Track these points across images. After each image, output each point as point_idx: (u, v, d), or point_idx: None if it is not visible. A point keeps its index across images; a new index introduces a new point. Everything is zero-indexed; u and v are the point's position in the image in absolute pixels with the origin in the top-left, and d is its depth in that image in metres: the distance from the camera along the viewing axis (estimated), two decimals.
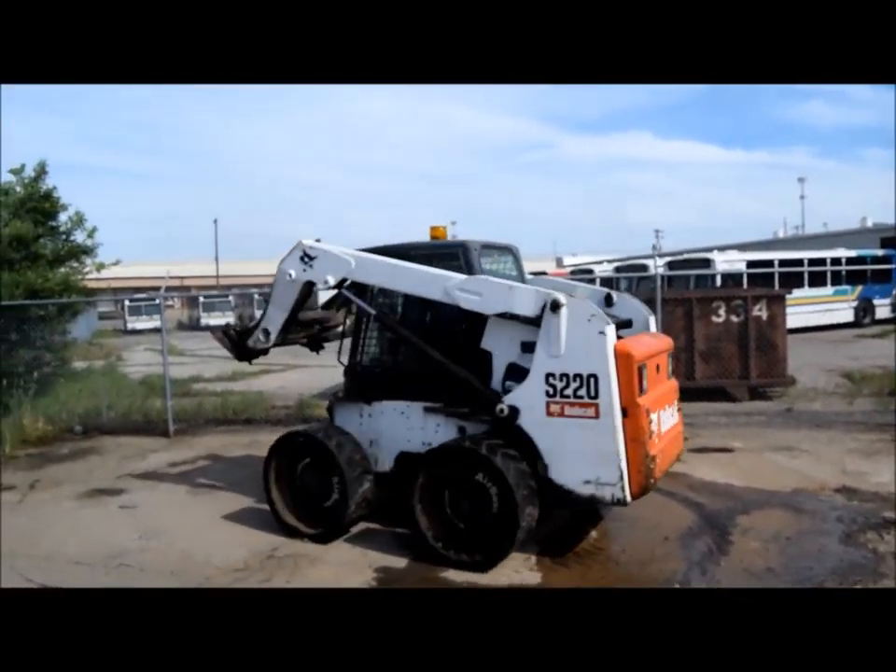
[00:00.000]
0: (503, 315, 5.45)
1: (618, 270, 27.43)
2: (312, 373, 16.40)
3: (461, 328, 5.91)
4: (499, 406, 5.40)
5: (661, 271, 24.77)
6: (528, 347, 5.43)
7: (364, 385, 6.40)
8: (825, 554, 5.51)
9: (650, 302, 11.31)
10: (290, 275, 6.35)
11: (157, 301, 11.97)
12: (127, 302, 44.59)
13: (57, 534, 6.67)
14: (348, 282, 6.30)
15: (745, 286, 21.52)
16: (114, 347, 25.53)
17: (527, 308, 5.33)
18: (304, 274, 6.32)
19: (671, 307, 11.88)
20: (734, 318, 11.94)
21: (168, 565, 5.75)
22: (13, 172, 12.72)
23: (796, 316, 24.19)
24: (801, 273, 23.75)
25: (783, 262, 24.02)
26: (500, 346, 5.63)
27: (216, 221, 66.37)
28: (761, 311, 11.92)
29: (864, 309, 25.81)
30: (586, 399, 5.09)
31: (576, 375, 5.11)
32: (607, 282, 28.46)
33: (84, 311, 15.03)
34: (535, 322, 5.31)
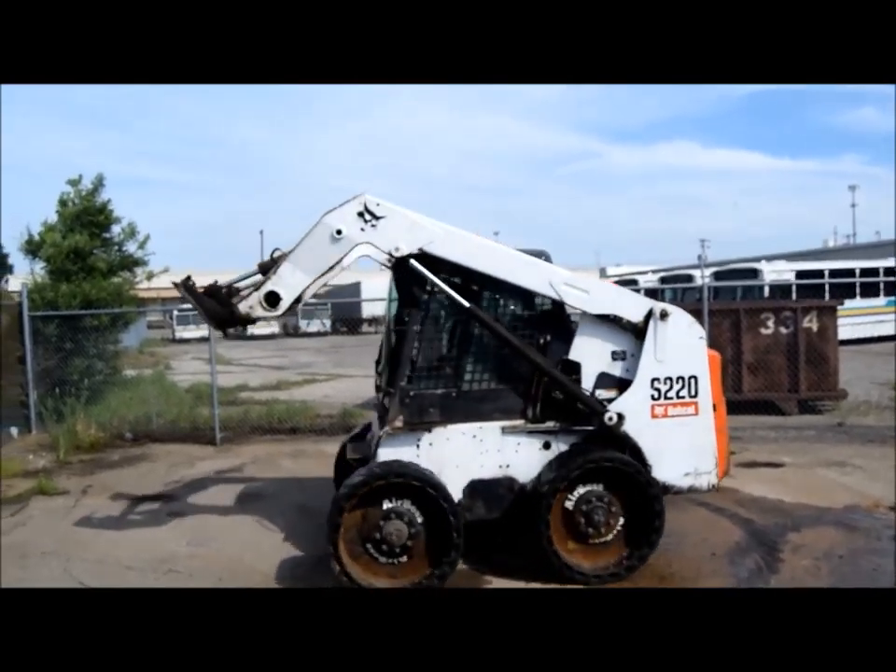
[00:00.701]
0: (603, 318, 5.51)
1: (663, 280, 27.17)
2: (356, 382, 16.56)
3: (546, 337, 5.63)
4: (608, 415, 5.42)
5: (707, 281, 24.53)
6: (618, 356, 5.58)
7: (422, 409, 5.49)
8: (880, 573, 5.36)
9: (696, 313, 11.25)
10: (338, 232, 5.22)
11: None
12: (175, 312, 45.55)
13: (108, 539, 6.83)
14: (410, 261, 5.34)
15: (794, 297, 21.25)
16: (162, 356, 26.14)
17: (634, 313, 5.49)
18: (361, 235, 5.26)
19: (718, 318, 11.73)
20: (783, 330, 11.72)
21: (216, 571, 5.85)
22: (71, 183, 13.16)
23: (847, 328, 23.59)
24: (852, 284, 23.21)
25: (833, 272, 23.50)
26: (592, 355, 5.58)
27: (262, 232, 67.64)
28: (811, 322, 11.69)
29: None
30: (687, 399, 5.55)
31: (679, 377, 5.52)
32: (651, 293, 28.25)
33: (135, 320, 15.42)
34: (632, 328, 5.50)
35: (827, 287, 22.46)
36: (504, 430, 5.51)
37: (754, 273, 22.77)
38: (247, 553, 6.23)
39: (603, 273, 44.34)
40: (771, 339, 11.73)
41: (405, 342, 5.46)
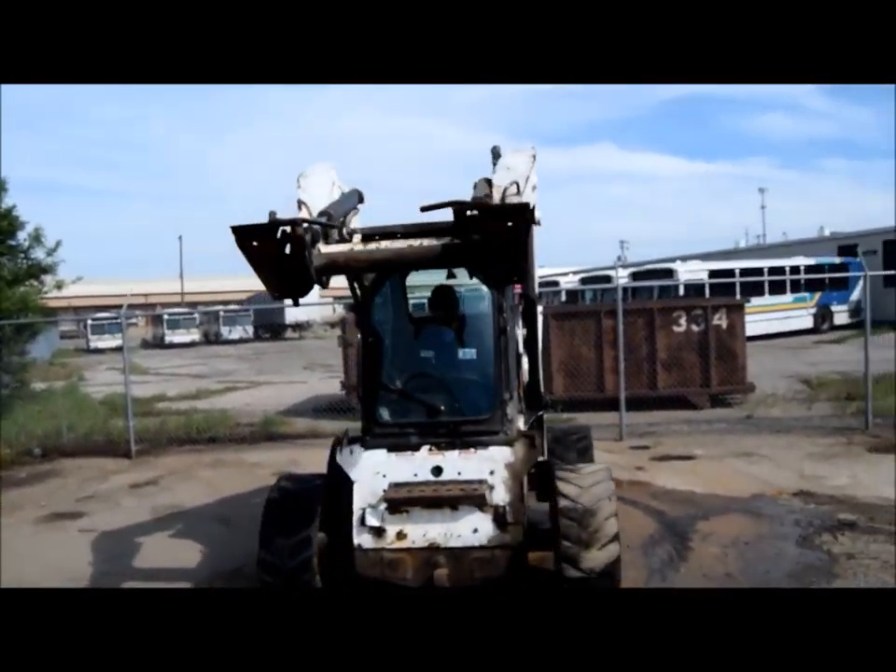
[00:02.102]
0: None
1: (583, 281, 27.72)
2: (278, 390, 16.33)
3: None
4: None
5: (624, 282, 25.19)
6: None
7: None
8: (782, 558, 5.62)
9: (612, 314, 11.58)
10: None
11: (119, 320, 11.80)
12: (89, 321, 43.94)
13: (16, 560, 6.53)
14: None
15: (707, 295, 22.06)
16: (76, 367, 25.13)
17: None
18: None
19: (633, 317, 12.07)
20: (694, 328, 12.15)
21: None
22: None
23: (757, 324, 24.66)
24: (761, 282, 24.25)
25: (744, 271, 24.48)
26: None
27: (180, 238, 65.91)
28: (720, 320, 12.16)
29: (823, 315, 26.37)
30: None
31: None
32: (572, 294, 28.83)
33: (44, 330, 14.80)
34: None
35: (738, 286, 23.50)
36: None
37: (669, 274, 23.52)
38: (162, 569, 6.06)
39: None
40: (683, 336, 12.14)
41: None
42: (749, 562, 5.57)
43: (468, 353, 5.19)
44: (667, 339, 12.14)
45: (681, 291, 22.14)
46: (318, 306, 33.11)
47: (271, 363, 24.13)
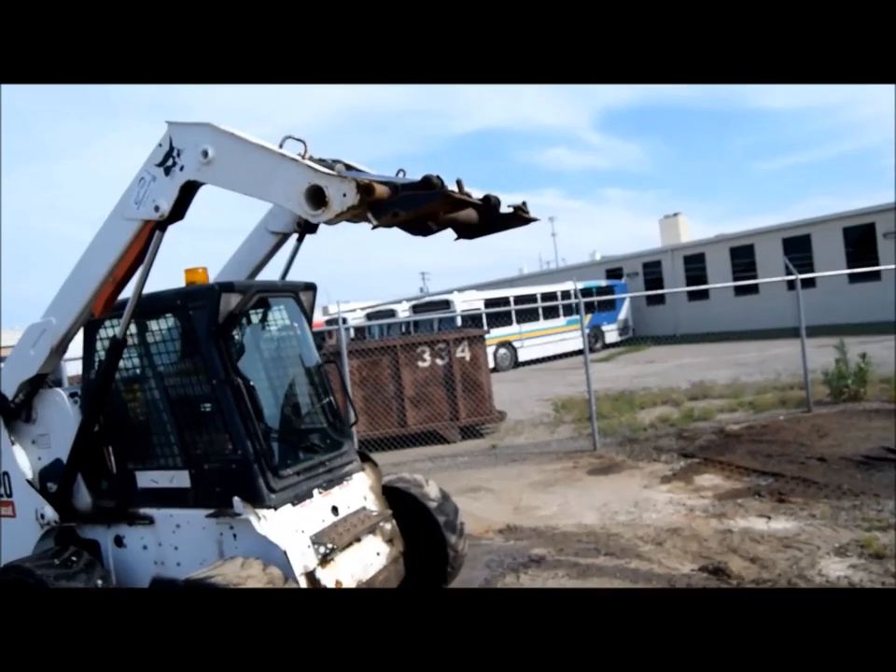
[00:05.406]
0: None
1: (369, 317, 27.62)
2: None
3: None
4: None
5: (405, 315, 25.26)
6: None
7: None
8: None
9: (361, 353, 11.25)
10: None
11: None
12: None
13: None
14: None
15: (484, 324, 22.63)
16: None
17: None
18: None
19: (378, 356, 11.83)
20: (439, 362, 12.11)
21: None
22: None
23: (534, 348, 25.86)
24: (535, 308, 25.29)
25: (518, 299, 25.42)
26: None
27: None
28: (463, 352, 12.20)
29: (595, 336, 27.97)
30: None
31: None
32: (359, 330, 28.62)
33: None
34: None
35: (513, 313, 24.36)
36: None
37: (447, 305, 23.89)
38: None
39: (325, 312, 44.44)
40: (429, 371, 12.05)
41: None
42: None
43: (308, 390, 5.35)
44: (413, 374, 12.00)
45: (458, 322, 22.64)
46: None
47: None
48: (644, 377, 17.70)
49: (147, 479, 4.63)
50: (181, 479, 4.49)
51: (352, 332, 29.29)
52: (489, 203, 4.05)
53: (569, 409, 13.27)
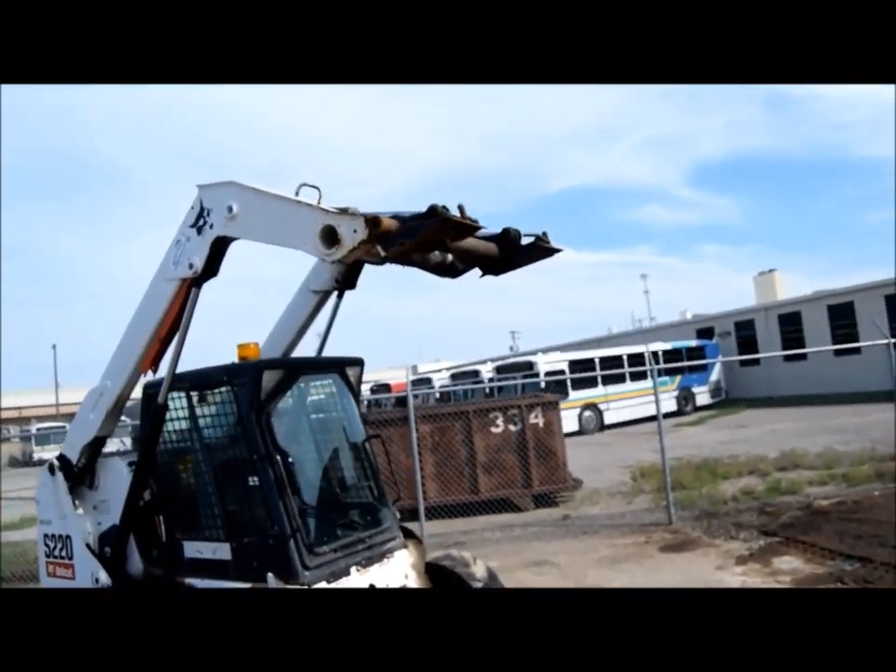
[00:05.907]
0: None
1: (454, 378, 27.68)
2: None
3: None
4: None
5: (489, 376, 25.18)
6: None
7: None
8: None
9: (430, 419, 11.27)
10: None
11: None
12: None
13: None
14: None
15: (569, 386, 22.30)
16: None
17: None
18: None
19: (449, 421, 11.85)
20: (512, 428, 12.02)
21: None
22: None
23: (621, 410, 25.20)
24: (622, 369, 24.74)
25: (603, 360, 24.99)
26: None
27: (54, 347, 62.93)
28: (537, 418, 12.06)
29: (685, 398, 27.10)
30: None
31: None
32: (445, 392, 28.74)
33: None
34: None
35: (599, 376, 23.89)
36: None
37: (530, 366, 23.73)
38: None
39: (414, 371, 44.82)
40: (501, 437, 11.96)
41: None
42: None
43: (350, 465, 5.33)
44: (486, 440, 11.94)
45: (542, 384, 22.40)
46: None
47: None
48: (733, 443, 16.93)
49: (193, 549, 4.76)
50: (223, 551, 4.60)
51: (437, 394, 29.43)
52: (508, 236, 4.20)
53: (648, 477, 12.80)
